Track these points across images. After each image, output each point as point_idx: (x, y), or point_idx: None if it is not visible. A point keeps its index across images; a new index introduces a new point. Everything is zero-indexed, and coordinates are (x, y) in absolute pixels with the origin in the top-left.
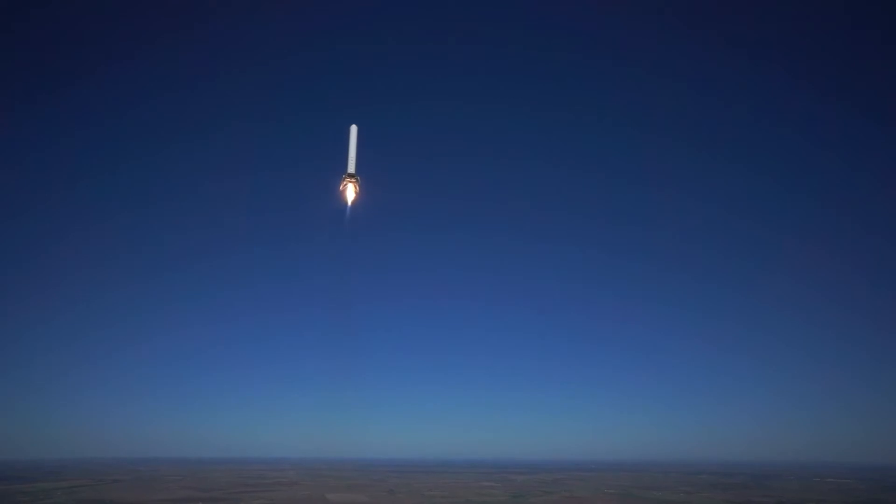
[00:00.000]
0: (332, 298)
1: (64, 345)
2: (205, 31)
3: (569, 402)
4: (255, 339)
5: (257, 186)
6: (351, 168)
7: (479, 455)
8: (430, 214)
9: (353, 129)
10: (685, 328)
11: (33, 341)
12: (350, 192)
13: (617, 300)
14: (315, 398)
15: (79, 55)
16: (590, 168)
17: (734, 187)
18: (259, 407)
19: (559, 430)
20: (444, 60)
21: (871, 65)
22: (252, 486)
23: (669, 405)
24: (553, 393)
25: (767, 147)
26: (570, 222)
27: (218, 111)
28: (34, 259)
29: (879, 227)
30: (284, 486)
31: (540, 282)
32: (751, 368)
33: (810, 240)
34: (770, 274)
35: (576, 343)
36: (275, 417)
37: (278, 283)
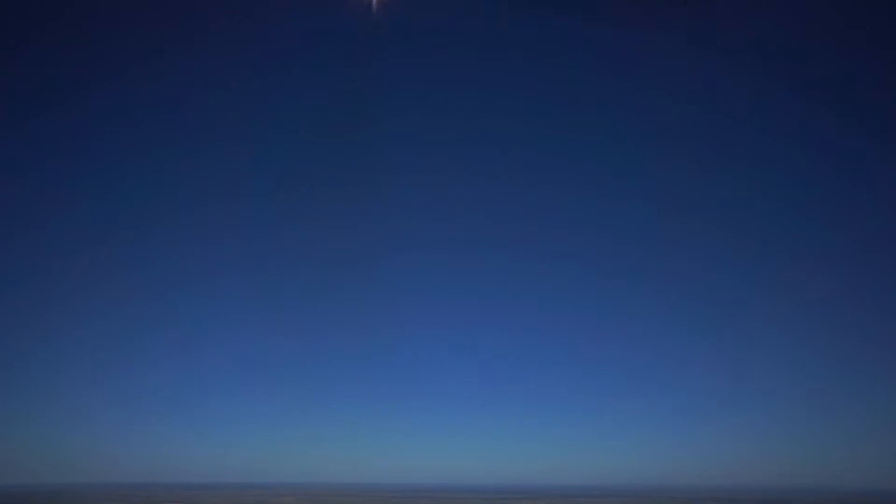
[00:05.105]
0: (333, 324)
1: (57, 371)
2: (217, 37)
3: (571, 427)
4: (254, 364)
5: (270, 206)
6: None
7: (482, 480)
8: (421, 234)
9: None
10: (687, 351)
11: (27, 365)
12: None
13: (617, 324)
14: (316, 422)
15: (90, 65)
16: (587, 185)
17: (733, 204)
18: (258, 431)
19: (561, 455)
20: (442, 78)
21: (872, 70)
22: None
23: (672, 429)
24: (555, 417)
25: (771, 163)
26: (567, 241)
27: (231, 126)
28: (38, 277)
29: (880, 245)
30: None
31: (543, 305)
32: (756, 392)
33: (808, 259)
34: (770, 294)
35: (577, 368)
36: (274, 441)
37: (279, 309)
